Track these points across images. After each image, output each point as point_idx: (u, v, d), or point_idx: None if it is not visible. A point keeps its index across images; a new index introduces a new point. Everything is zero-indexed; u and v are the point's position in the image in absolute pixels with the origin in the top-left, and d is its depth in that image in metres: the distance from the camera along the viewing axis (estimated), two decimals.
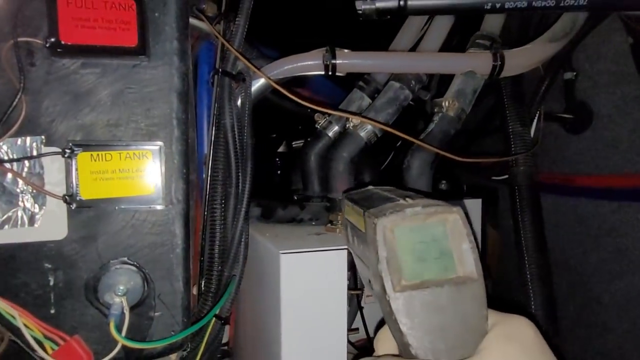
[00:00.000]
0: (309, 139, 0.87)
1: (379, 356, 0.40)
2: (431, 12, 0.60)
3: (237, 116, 0.68)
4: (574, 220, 0.95)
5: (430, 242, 0.37)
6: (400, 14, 0.51)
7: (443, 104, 0.75)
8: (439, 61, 0.73)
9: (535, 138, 0.86)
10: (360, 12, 0.53)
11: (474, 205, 1.14)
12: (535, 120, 0.91)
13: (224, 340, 0.85)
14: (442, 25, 0.78)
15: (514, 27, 0.85)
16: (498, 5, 0.51)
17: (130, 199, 0.48)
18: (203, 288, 0.66)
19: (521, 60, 0.74)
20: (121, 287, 0.48)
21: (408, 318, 0.35)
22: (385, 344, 0.39)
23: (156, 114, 0.49)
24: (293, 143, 1.16)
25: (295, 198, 0.88)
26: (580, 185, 0.97)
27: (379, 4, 0.51)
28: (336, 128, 0.81)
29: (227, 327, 0.75)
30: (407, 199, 0.38)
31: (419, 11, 0.54)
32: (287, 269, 0.59)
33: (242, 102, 0.69)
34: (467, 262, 0.37)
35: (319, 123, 0.84)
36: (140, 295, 0.49)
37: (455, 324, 0.36)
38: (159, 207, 0.49)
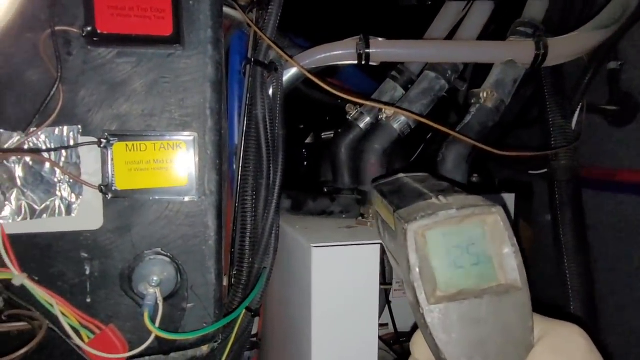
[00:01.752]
0: (339, 130, 0.85)
1: None
2: None
3: (268, 107, 0.66)
4: (616, 217, 0.90)
5: (467, 246, 0.34)
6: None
7: (481, 94, 0.72)
8: (479, 50, 0.70)
9: (577, 131, 0.82)
10: None
11: (507, 200, 1.10)
12: (577, 113, 0.86)
13: (253, 332, 0.85)
14: (482, 12, 0.75)
15: (556, 13, 0.81)
16: None
17: (164, 190, 0.48)
18: (233, 280, 0.65)
19: (566, 49, 0.70)
20: (155, 278, 0.48)
21: (444, 333, 0.32)
22: (421, 348, 0.36)
23: (190, 104, 0.48)
24: (322, 134, 1.15)
25: (325, 190, 0.87)
26: (623, 180, 0.92)
27: None
28: (368, 119, 0.79)
29: (256, 319, 0.76)
30: (440, 196, 0.35)
31: None
32: (318, 262, 0.58)
33: (273, 93, 0.68)
34: (509, 268, 0.34)
35: (350, 114, 0.83)
36: (173, 286, 0.49)
37: (496, 337, 0.33)
38: (192, 199, 0.49)
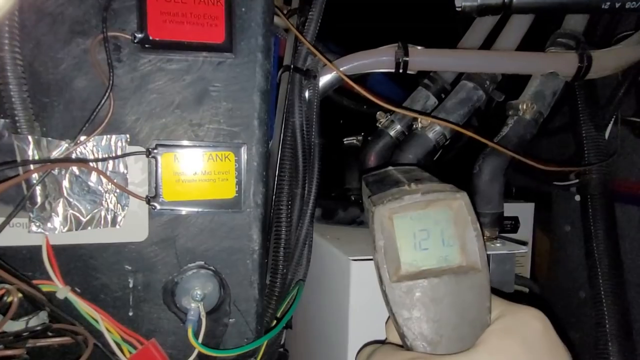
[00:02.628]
0: (369, 138, 0.84)
1: (381, 344, 0.39)
2: (538, 11, 0.55)
3: (305, 115, 0.65)
4: None
5: (432, 230, 0.35)
6: (503, 12, 0.47)
7: (520, 106, 0.70)
8: (520, 61, 0.68)
9: (614, 146, 0.81)
10: (460, 9, 0.49)
11: (527, 209, 1.09)
12: (611, 125, 0.85)
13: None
14: (522, 22, 0.73)
15: (597, 25, 0.79)
16: (618, 5, 0.46)
17: (210, 202, 0.46)
18: (267, 291, 0.64)
19: (610, 62, 0.69)
20: (199, 292, 0.46)
21: (404, 309, 0.34)
22: (394, 331, 0.37)
23: (238, 114, 0.47)
24: (344, 140, 1.13)
25: (352, 198, 0.85)
26: None
27: (481, 1, 0.47)
28: (398, 127, 0.78)
29: None
30: (412, 183, 0.36)
31: (525, 9, 0.50)
32: (357, 276, 0.57)
33: (310, 100, 0.67)
34: (471, 250, 0.35)
35: (381, 121, 0.81)
36: (216, 300, 0.48)
37: (453, 315, 0.34)
38: (238, 211, 0.47)
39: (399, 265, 0.35)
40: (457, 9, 0.51)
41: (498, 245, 0.67)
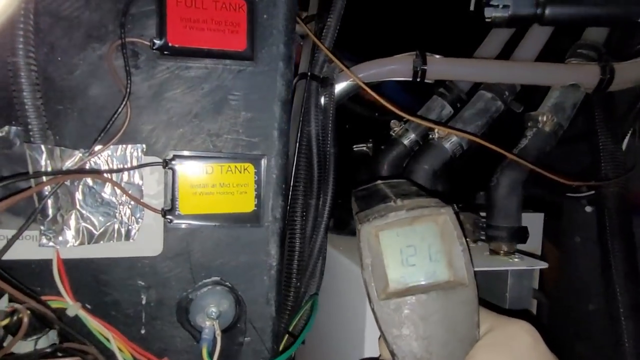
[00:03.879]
0: (382, 147, 0.82)
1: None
2: (570, 23, 0.54)
3: (322, 123, 0.63)
4: None
5: (419, 246, 0.35)
6: (534, 23, 0.46)
7: (539, 118, 0.69)
8: (542, 72, 0.67)
9: (632, 159, 0.79)
10: (490, 19, 0.48)
11: (536, 220, 1.07)
12: (628, 137, 0.83)
13: None
14: (542, 33, 0.71)
15: (615, 36, 0.78)
16: None
17: (228, 216, 0.44)
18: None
19: (632, 74, 0.67)
20: (214, 310, 0.45)
21: (393, 327, 0.34)
22: (385, 348, 0.37)
23: (258, 124, 0.45)
24: (354, 146, 1.11)
25: None
26: None
27: (512, 12, 0.45)
28: (413, 136, 0.77)
29: None
30: (398, 199, 0.36)
31: (557, 21, 0.48)
32: None
33: (325, 108, 0.65)
34: (458, 266, 0.35)
35: (395, 130, 0.79)
36: (232, 318, 0.46)
37: (442, 332, 0.34)
38: (256, 225, 0.45)
39: (387, 283, 0.35)
40: (486, 19, 0.49)
41: (516, 260, 0.65)
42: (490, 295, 0.67)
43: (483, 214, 0.72)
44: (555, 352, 0.35)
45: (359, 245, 0.35)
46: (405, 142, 0.77)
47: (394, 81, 0.72)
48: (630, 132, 0.83)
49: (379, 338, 0.39)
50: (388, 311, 0.34)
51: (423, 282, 0.35)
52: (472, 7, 0.86)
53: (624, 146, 0.83)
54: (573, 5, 0.45)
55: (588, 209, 0.95)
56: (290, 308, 0.62)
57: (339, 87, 0.69)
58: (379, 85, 0.90)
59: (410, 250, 0.35)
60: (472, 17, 0.88)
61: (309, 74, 0.62)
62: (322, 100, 0.64)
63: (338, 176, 0.64)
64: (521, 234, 0.68)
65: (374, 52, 0.71)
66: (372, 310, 0.35)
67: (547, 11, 0.46)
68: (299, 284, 0.63)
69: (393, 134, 0.79)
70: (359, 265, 0.55)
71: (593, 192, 0.84)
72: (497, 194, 0.69)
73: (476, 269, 0.66)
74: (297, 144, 0.63)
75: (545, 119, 0.68)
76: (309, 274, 0.63)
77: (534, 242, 1.05)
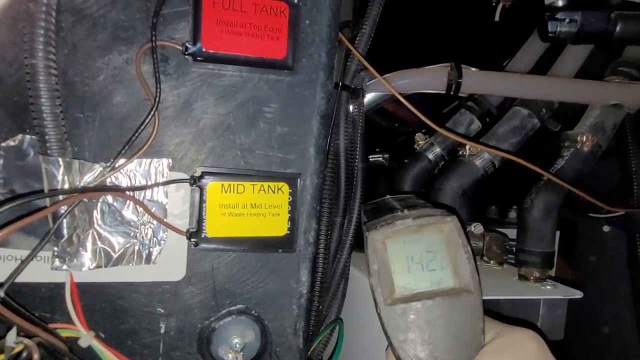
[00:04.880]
0: (406, 160, 0.78)
1: None
2: (638, 42, 0.50)
3: (350, 136, 0.60)
4: None
5: (425, 253, 0.36)
6: (604, 41, 0.42)
7: (578, 138, 0.65)
8: (583, 89, 0.63)
9: None
10: (553, 34, 0.44)
11: None
12: None
13: None
14: (582, 48, 0.68)
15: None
16: None
17: (258, 240, 0.40)
18: None
19: None
20: (238, 341, 0.41)
21: (399, 332, 0.34)
22: (391, 355, 0.37)
23: (295, 140, 0.41)
24: (370, 157, 1.08)
25: None
26: None
27: (581, 27, 0.41)
28: (438, 150, 0.73)
29: None
30: (405, 209, 0.37)
31: (627, 39, 0.45)
32: None
33: (354, 120, 0.61)
34: (463, 273, 0.36)
35: (419, 143, 0.76)
36: (256, 350, 0.42)
37: (447, 337, 0.34)
38: (288, 251, 0.41)
39: (393, 288, 0.36)
40: (549, 34, 0.45)
41: (549, 288, 0.61)
42: (519, 324, 0.63)
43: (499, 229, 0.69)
44: None
45: (367, 252, 0.36)
46: (430, 156, 0.73)
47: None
48: None
49: (386, 348, 0.39)
50: (394, 316, 0.35)
51: (429, 288, 0.36)
52: (497, 18, 0.82)
53: None
54: None
55: (606, 228, 0.92)
56: (311, 332, 0.59)
57: (367, 97, 0.66)
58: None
59: (416, 258, 0.36)
60: (498, 28, 0.84)
61: (340, 83, 0.58)
62: (352, 111, 0.61)
63: (365, 193, 0.61)
64: (552, 259, 0.65)
65: (394, 62, 0.68)
66: (379, 315, 0.35)
67: (618, 28, 0.42)
68: (320, 306, 0.59)
69: (417, 148, 0.75)
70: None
71: (616, 213, 0.81)
72: (531, 216, 0.65)
73: (508, 297, 0.62)
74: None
75: (584, 139, 0.65)
76: (330, 296, 0.60)
77: None
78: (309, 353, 0.58)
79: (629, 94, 0.62)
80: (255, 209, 0.40)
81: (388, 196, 0.46)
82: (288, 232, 0.41)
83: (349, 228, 0.60)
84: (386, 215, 0.38)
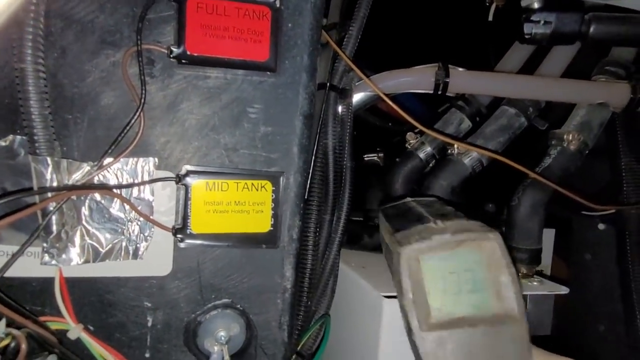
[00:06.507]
0: (397, 159, 0.79)
1: None
2: (616, 42, 0.51)
3: (339, 136, 0.61)
4: None
5: (463, 272, 0.33)
6: (578, 41, 0.43)
7: (565, 136, 0.66)
8: (570, 89, 0.64)
9: None
10: (529, 36, 0.45)
11: (547, 236, 1.04)
12: None
13: None
14: (569, 48, 0.69)
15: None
16: None
17: (242, 236, 0.42)
18: None
19: None
20: (223, 334, 0.42)
21: None
22: None
23: (278, 139, 0.43)
24: (365, 156, 1.09)
25: (376, 222, 0.81)
26: None
27: (555, 29, 0.42)
28: (428, 149, 0.74)
29: None
30: (438, 220, 0.34)
31: (602, 39, 0.45)
32: (390, 315, 0.52)
33: (343, 120, 0.62)
34: (507, 297, 0.32)
35: (410, 142, 0.77)
36: (241, 343, 0.43)
37: None
38: (272, 246, 0.43)
39: (429, 312, 0.32)
40: (526, 36, 0.46)
41: (535, 284, 0.62)
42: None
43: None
44: None
45: (399, 269, 0.33)
46: (421, 155, 0.74)
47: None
48: None
49: None
50: (431, 345, 0.31)
51: (468, 314, 0.32)
52: (490, 18, 0.83)
53: None
54: (619, 24, 0.42)
55: (601, 226, 0.92)
56: (299, 327, 0.60)
57: (356, 97, 0.67)
58: (394, 95, 0.87)
59: (454, 277, 0.33)
60: (491, 28, 0.85)
61: (327, 84, 0.59)
62: (340, 111, 0.62)
63: (354, 192, 0.62)
64: (539, 256, 0.66)
65: (387, 62, 0.69)
66: (412, 341, 0.32)
67: (592, 29, 0.43)
68: (309, 302, 0.60)
69: (408, 147, 0.76)
70: (376, 288, 0.53)
71: (610, 211, 0.81)
72: (518, 214, 0.66)
73: None
74: (313, 157, 0.61)
75: (571, 137, 0.66)
76: (319, 293, 0.61)
77: (545, 259, 1.02)
78: (299, 348, 0.59)
79: (613, 93, 0.63)
80: (239, 206, 0.41)
81: (409, 199, 0.42)
82: (271, 228, 0.42)
83: (338, 225, 0.61)
84: (417, 225, 0.35)
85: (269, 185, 0.42)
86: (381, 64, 0.68)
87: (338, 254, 0.61)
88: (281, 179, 0.42)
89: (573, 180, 0.90)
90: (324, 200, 0.61)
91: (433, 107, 0.92)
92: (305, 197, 0.60)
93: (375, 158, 1.00)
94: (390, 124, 0.98)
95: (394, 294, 0.53)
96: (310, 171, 0.60)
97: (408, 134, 0.77)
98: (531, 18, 0.43)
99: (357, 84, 0.63)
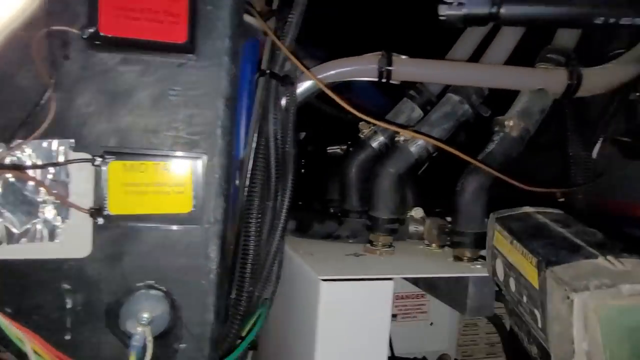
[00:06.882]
0: (350, 148, 0.80)
1: None
2: (528, 23, 0.52)
3: (281, 123, 0.61)
4: None
5: None
6: (490, 23, 0.44)
7: (506, 123, 0.67)
8: (508, 75, 0.65)
9: (601, 167, 0.78)
10: (444, 18, 0.46)
11: None
12: (599, 145, 0.82)
13: None
14: (511, 35, 0.70)
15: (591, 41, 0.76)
16: (612, 21, 0.43)
17: (163, 217, 0.42)
18: (231, 309, 0.60)
19: (600, 80, 0.66)
20: (146, 315, 0.42)
21: None
22: None
23: (200, 121, 0.43)
24: (328, 148, 1.09)
25: (332, 210, 0.82)
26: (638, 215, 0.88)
27: (467, 10, 0.43)
28: (381, 139, 0.75)
29: None
30: (609, 257, 0.27)
31: (514, 20, 0.47)
32: (327, 297, 0.53)
33: (286, 107, 0.63)
34: None
35: (363, 132, 0.78)
36: (166, 324, 0.43)
37: None
38: (194, 227, 0.43)
39: None
40: (440, 17, 0.47)
41: (478, 266, 0.63)
42: (453, 303, 0.66)
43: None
44: None
45: (570, 321, 0.26)
46: (374, 144, 0.75)
47: (370, 83, 0.70)
48: (601, 139, 0.82)
49: None
50: None
51: None
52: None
53: (595, 153, 0.82)
54: (530, 5, 0.43)
55: None
56: (242, 313, 0.60)
57: (303, 85, 0.67)
58: (351, 85, 0.88)
59: None
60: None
61: (268, 71, 0.60)
62: (283, 99, 0.62)
63: (297, 177, 0.63)
64: (483, 240, 0.67)
65: (350, 51, 0.69)
66: None
67: (502, 10, 0.44)
68: (252, 287, 0.61)
69: (362, 136, 0.77)
70: (315, 272, 0.54)
71: (540, 190, 0.82)
72: (462, 199, 0.67)
73: (436, 275, 0.64)
74: (255, 144, 0.61)
75: (512, 123, 0.67)
76: (264, 278, 0.62)
77: None
78: (244, 333, 0.60)
79: (551, 79, 0.65)
80: (158, 187, 0.41)
81: (529, 208, 0.35)
82: (193, 209, 0.42)
83: (281, 212, 0.61)
84: (579, 259, 0.28)
85: (189, 167, 0.42)
86: (345, 51, 0.69)
87: (282, 239, 0.62)
88: (201, 160, 0.42)
89: (541, 174, 0.92)
90: (266, 187, 0.61)
91: (395, 98, 0.93)
92: (248, 184, 0.61)
93: (339, 150, 1.01)
94: (349, 115, 0.99)
95: (333, 277, 0.54)
96: (252, 158, 0.61)
97: (361, 123, 0.78)
98: (445, 0, 0.44)
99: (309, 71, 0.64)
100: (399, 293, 0.92)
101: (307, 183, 1.09)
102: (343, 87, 0.84)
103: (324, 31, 0.85)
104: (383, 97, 0.90)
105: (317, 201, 0.91)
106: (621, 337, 0.26)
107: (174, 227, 0.43)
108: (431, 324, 0.94)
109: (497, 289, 0.64)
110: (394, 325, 0.84)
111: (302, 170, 1.10)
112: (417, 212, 0.76)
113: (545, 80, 0.65)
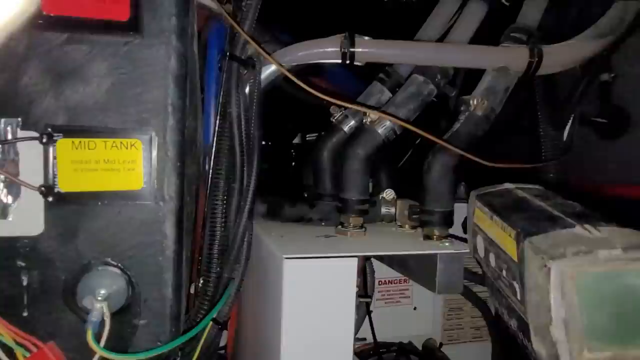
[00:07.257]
0: (322, 133, 0.81)
1: None
2: None
3: (244, 105, 0.62)
4: None
5: (631, 297, 0.27)
6: None
7: (471, 102, 0.68)
8: (470, 54, 0.66)
9: (568, 144, 0.79)
10: None
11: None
12: (569, 124, 0.83)
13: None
14: (474, 15, 0.71)
15: (549, 21, 0.77)
16: None
17: (115, 194, 0.43)
18: (200, 290, 0.61)
19: (561, 57, 0.67)
20: (102, 291, 0.43)
21: None
22: None
23: (149, 99, 0.44)
24: (307, 136, 1.10)
25: (305, 195, 0.82)
26: (613, 195, 0.89)
27: None
28: (352, 122, 0.75)
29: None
30: (586, 225, 0.27)
31: None
32: (290, 276, 0.54)
33: (250, 90, 0.64)
34: None
35: (334, 116, 0.78)
36: (123, 300, 0.44)
37: None
38: (148, 204, 0.44)
39: (588, 346, 0.26)
40: None
41: (447, 244, 0.64)
42: (424, 282, 0.66)
43: None
44: None
45: (546, 287, 0.26)
46: (345, 128, 0.76)
47: (342, 66, 0.71)
48: (571, 119, 0.83)
49: None
50: None
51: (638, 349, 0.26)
52: None
53: (565, 133, 0.82)
54: None
55: None
56: (210, 294, 0.61)
57: (269, 68, 0.68)
58: (323, 69, 0.88)
59: (618, 303, 0.26)
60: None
61: (227, 54, 0.60)
62: (247, 81, 0.63)
63: (262, 159, 0.63)
64: (451, 218, 0.67)
65: (317, 33, 0.70)
66: None
67: None
68: (219, 268, 0.61)
69: (333, 121, 0.78)
70: (280, 251, 0.54)
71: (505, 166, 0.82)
72: (429, 178, 0.68)
73: (405, 253, 0.65)
74: (218, 127, 0.62)
75: (476, 102, 0.67)
76: (232, 260, 0.62)
77: None
78: (216, 316, 0.61)
79: (512, 57, 0.65)
80: (108, 164, 0.42)
81: (509, 184, 0.36)
82: (145, 186, 0.43)
83: (247, 193, 0.62)
84: (556, 229, 0.28)
85: (139, 144, 0.43)
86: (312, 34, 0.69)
87: (250, 220, 0.62)
88: (151, 137, 0.43)
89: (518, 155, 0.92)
90: (231, 169, 0.62)
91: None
92: (212, 166, 0.62)
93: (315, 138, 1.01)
94: (324, 102, 0.99)
95: (296, 256, 0.54)
96: (216, 141, 0.62)
97: (332, 107, 0.78)
98: None
99: (273, 54, 0.64)
100: (382, 278, 0.92)
101: (295, 172, 1.10)
102: (316, 72, 0.84)
103: (292, 14, 0.85)
104: (359, 81, 0.90)
105: (294, 187, 0.92)
106: (599, 303, 0.26)
107: (127, 204, 0.43)
108: (414, 308, 0.94)
109: (478, 270, 0.65)
110: (376, 311, 0.85)
111: (292, 163, 1.12)
112: (388, 194, 0.77)
113: (506, 58, 0.66)
